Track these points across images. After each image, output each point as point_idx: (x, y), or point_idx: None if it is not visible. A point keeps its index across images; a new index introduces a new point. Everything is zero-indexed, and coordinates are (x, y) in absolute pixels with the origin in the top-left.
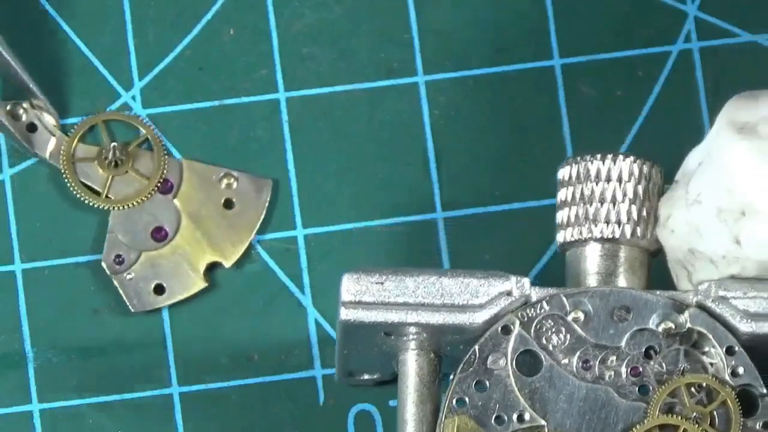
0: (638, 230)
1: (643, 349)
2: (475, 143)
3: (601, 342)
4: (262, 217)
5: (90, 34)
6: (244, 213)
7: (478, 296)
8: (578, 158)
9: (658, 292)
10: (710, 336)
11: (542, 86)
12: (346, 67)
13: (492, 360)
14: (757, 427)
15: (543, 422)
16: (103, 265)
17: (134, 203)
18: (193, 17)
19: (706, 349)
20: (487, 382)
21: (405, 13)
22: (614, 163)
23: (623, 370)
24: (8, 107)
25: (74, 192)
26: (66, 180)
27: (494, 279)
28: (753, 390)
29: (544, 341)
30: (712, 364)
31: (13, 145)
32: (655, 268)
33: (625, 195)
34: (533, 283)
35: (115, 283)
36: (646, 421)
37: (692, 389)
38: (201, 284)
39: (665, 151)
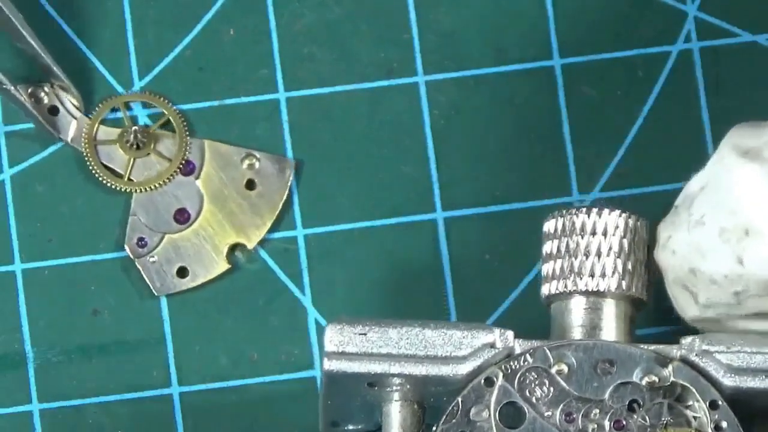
0: (623, 283)
1: (627, 403)
2: (475, 143)
3: (585, 395)
4: (285, 197)
5: (90, 34)
6: (267, 194)
7: (461, 348)
8: (563, 211)
9: (642, 346)
10: (694, 390)
11: (542, 86)
12: (346, 67)
13: (475, 412)
14: None
15: None
16: (126, 248)
17: (156, 185)
18: (193, 17)
19: (690, 402)
20: None
21: (405, 13)
22: (599, 217)
23: (606, 423)
24: (30, 90)
25: (96, 175)
26: (88, 162)
27: (477, 331)
28: None
29: (527, 393)
30: (695, 417)
31: (37, 129)
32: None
33: (610, 248)
34: (517, 335)
35: (138, 266)
36: None
37: None
38: (224, 266)
39: (665, 151)
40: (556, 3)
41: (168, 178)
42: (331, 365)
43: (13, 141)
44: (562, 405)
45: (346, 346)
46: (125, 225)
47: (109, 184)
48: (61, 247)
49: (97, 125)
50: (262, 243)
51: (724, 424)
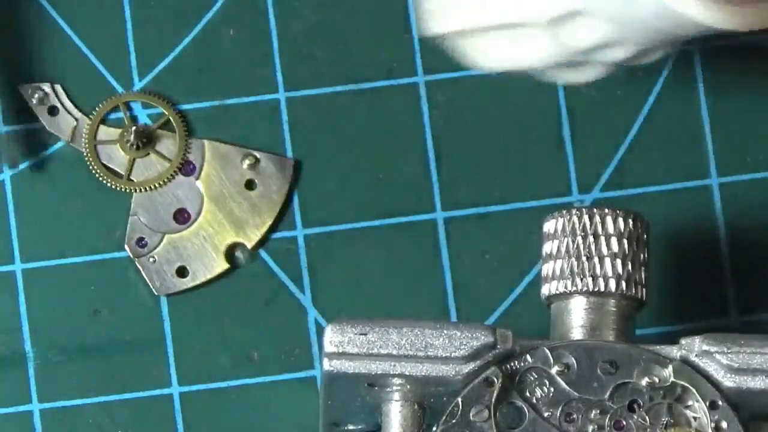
0: (623, 284)
1: (627, 403)
2: (475, 143)
3: (585, 395)
4: (285, 197)
5: (90, 34)
6: (267, 194)
7: (461, 348)
8: (563, 211)
9: (642, 346)
10: (694, 390)
11: (542, 86)
12: (346, 67)
13: (475, 412)
14: None
15: None
16: (126, 248)
17: (156, 185)
18: (193, 17)
19: (690, 403)
20: None
21: (405, 13)
22: (599, 217)
23: (606, 423)
24: (29, 90)
25: (96, 175)
26: (88, 162)
27: (477, 331)
28: None
29: (527, 394)
30: (695, 418)
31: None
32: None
33: (610, 249)
34: (517, 335)
35: (138, 266)
36: None
37: None
38: (224, 266)
39: (665, 151)
40: None
41: (168, 178)
42: (331, 365)
43: (13, 141)
44: (562, 405)
45: (346, 346)
46: (125, 225)
47: (109, 184)
48: (61, 247)
49: (97, 125)
50: (262, 243)
51: (724, 425)
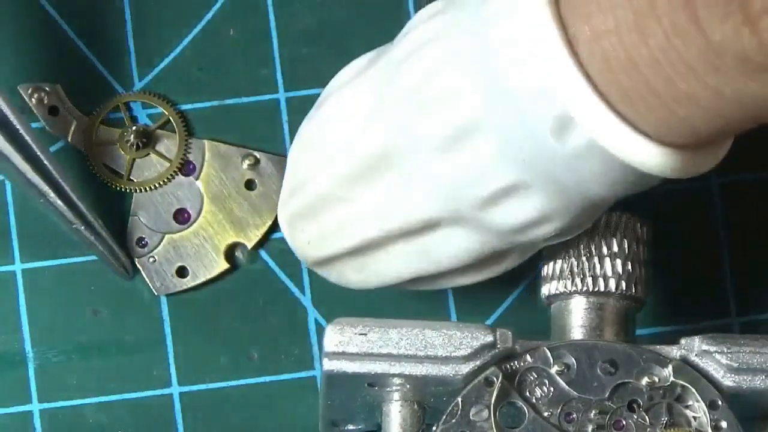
0: (623, 284)
1: (627, 403)
2: None
3: (585, 395)
4: None
5: (90, 34)
6: (267, 194)
7: (461, 348)
8: None
9: (642, 346)
10: (693, 390)
11: None
12: None
13: (475, 412)
14: None
15: None
16: (128, 246)
17: (156, 185)
18: (193, 17)
19: (690, 402)
20: None
21: (405, 14)
22: (600, 218)
23: (606, 423)
24: (29, 90)
25: (97, 174)
26: (88, 162)
27: (477, 331)
28: None
29: (527, 393)
30: (695, 418)
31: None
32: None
33: (610, 249)
34: (517, 335)
35: (138, 266)
36: None
37: None
38: (224, 266)
39: None
40: None
41: (168, 178)
42: (331, 365)
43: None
44: (562, 405)
45: (346, 346)
46: (125, 225)
47: (109, 184)
48: (61, 247)
49: (97, 125)
50: (262, 243)
51: (724, 424)
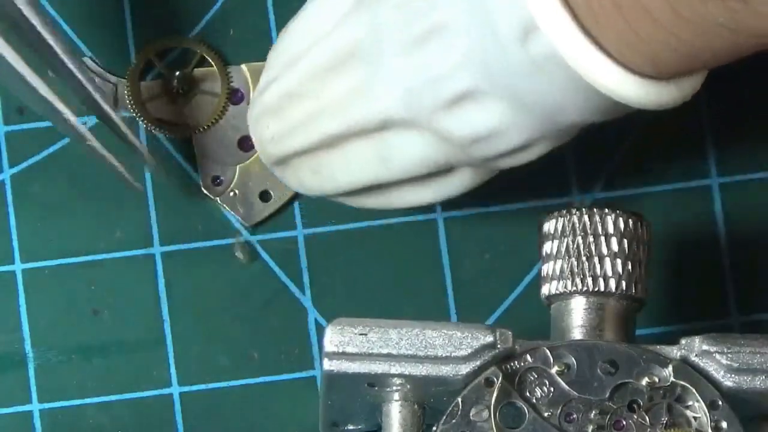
0: (623, 284)
1: (627, 403)
2: None
3: (585, 395)
4: None
5: (90, 34)
6: None
7: (461, 348)
8: (564, 211)
9: (642, 346)
10: (694, 390)
11: None
12: None
13: (475, 412)
14: None
15: None
16: (204, 190)
17: (213, 122)
18: (193, 17)
19: (690, 403)
20: None
21: None
22: (599, 217)
23: (606, 423)
24: None
25: (153, 130)
26: (141, 121)
27: (477, 331)
28: None
29: (527, 394)
30: (695, 418)
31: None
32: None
33: (610, 249)
34: (517, 335)
35: (221, 204)
36: None
37: None
38: None
39: (665, 151)
40: None
41: (221, 112)
42: (331, 365)
43: (13, 141)
44: (562, 405)
45: (346, 346)
46: (125, 225)
47: (169, 135)
48: (61, 247)
49: (136, 84)
50: (262, 243)
51: (724, 425)
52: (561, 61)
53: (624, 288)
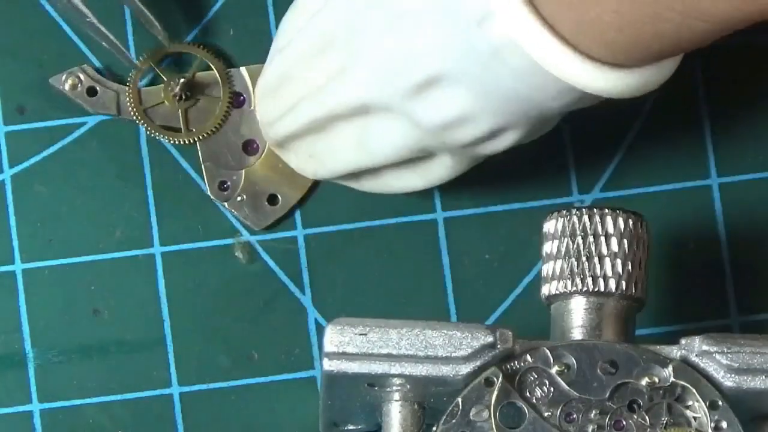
0: (623, 284)
1: (627, 403)
2: None
3: (585, 395)
4: None
5: (91, 40)
6: None
7: (461, 348)
8: (564, 211)
9: (642, 346)
10: (694, 390)
11: None
12: None
13: (475, 412)
14: None
15: None
16: (211, 196)
17: (216, 126)
18: (193, 17)
19: (690, 403)
20: None
21: None
22: (599, 217)
23: (606, 423)
24: (62, 78)
25: (156, 136)
26: (144, 127)
27: (477, 331)
28: None
29: (527, 394)
30: (695, 418)
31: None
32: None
33: (610, 249)
34: (517, 335)
35: (230, 209)
36: None
37: None
38: (309, 180)
39: (665, 151)
40: None
41: (225, 116)
42: (331, 365)
43: (13, 141)
44: (562, 405)
45: (346, 346)
46: (125, 225)
47: (172, 141)
48: (61, 247)
49: (138, 90)
50: (262, 243)
51: (724, 424)
52: (518, 47)
53: (624, 288)
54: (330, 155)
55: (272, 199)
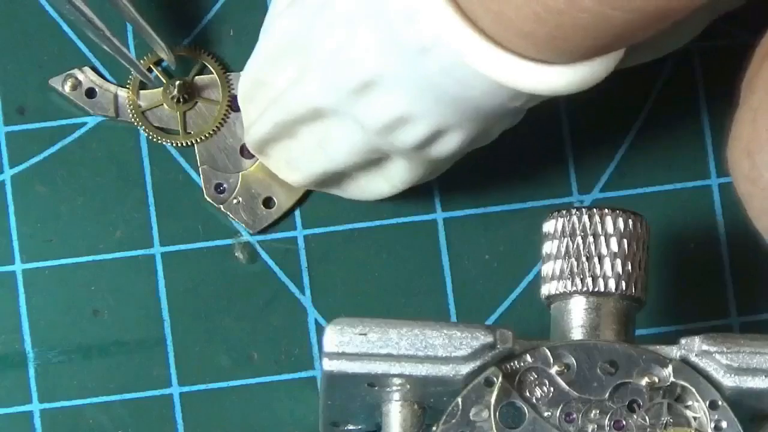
0: (623, 284)
1: (627, 403)
2: None
3: (585, 395)
4: None
5: (90, 42)
6: None
7: (461, 348)
8: (563, 211)
9: (642, 346)
10: (693, 390)
11: None
12: None
13: (475, 412)
14: None
15: None
16: (208, 199)
17: (214, 129)
18: (193, 17)
19: (690, 403)
20: None
21: None
22: (599, 217)
23: (606, 423)
24: (62, 80)
25: (153, 139)
26: (142, 130)
27: (477, 331)
28: None
29: (527, 394)
30: (695, 418)
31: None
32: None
33: (610, 249)
34: (517, 335)
35: (225, 212)
36: None
37: None
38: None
39: (665, 151)
40: None
41: (223, 119)
42: (331, 365)
43: (13, 141)
44: (562, 405)
45: (346, 346)
46: (125, 225)
47: (170, 144)
48: (61, 247)
49: (137, 92)
50: (262, 243)
51: (724, 424)
52: (443, 44)
53: (624, 288)
54: (303, 160)
55: (268, 203)
